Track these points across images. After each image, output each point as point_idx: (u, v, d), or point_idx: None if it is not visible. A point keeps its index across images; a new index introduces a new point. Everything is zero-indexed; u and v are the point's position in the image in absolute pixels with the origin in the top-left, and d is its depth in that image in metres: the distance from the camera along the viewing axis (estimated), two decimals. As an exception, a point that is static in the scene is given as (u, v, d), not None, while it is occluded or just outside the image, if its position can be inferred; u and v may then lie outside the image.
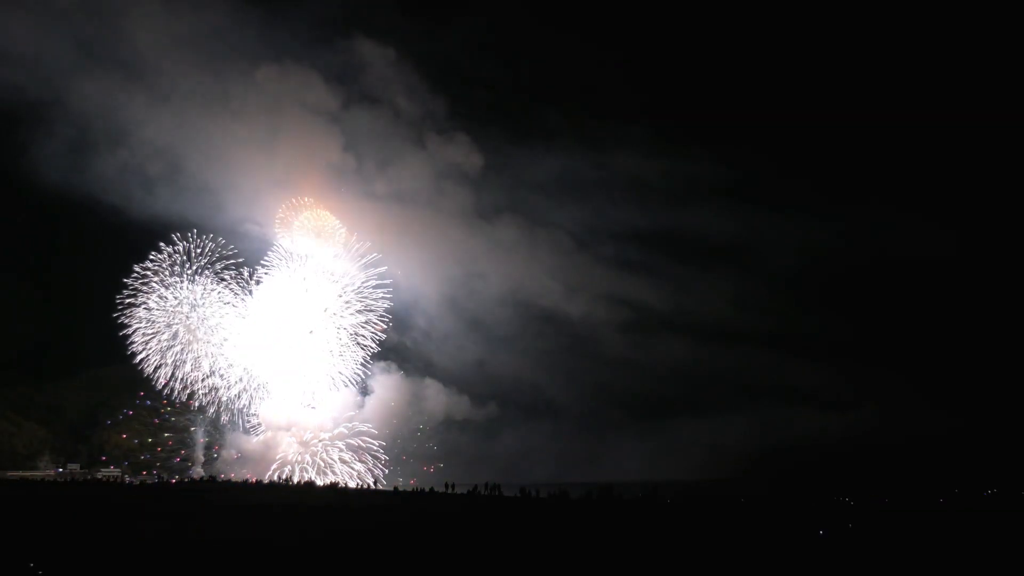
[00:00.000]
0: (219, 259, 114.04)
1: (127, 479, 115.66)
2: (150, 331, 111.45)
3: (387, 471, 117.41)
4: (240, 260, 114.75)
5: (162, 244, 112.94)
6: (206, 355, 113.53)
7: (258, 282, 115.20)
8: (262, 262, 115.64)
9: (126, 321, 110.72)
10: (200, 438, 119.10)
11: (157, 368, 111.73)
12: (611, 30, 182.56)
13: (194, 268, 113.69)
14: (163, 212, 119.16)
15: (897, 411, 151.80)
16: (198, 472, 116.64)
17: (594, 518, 65.05)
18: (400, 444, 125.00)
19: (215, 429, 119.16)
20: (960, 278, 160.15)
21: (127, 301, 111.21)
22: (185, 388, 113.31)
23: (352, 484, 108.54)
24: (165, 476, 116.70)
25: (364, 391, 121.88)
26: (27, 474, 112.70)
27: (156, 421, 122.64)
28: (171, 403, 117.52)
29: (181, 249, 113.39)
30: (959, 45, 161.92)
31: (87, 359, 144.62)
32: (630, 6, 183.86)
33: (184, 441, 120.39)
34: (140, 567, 44.12)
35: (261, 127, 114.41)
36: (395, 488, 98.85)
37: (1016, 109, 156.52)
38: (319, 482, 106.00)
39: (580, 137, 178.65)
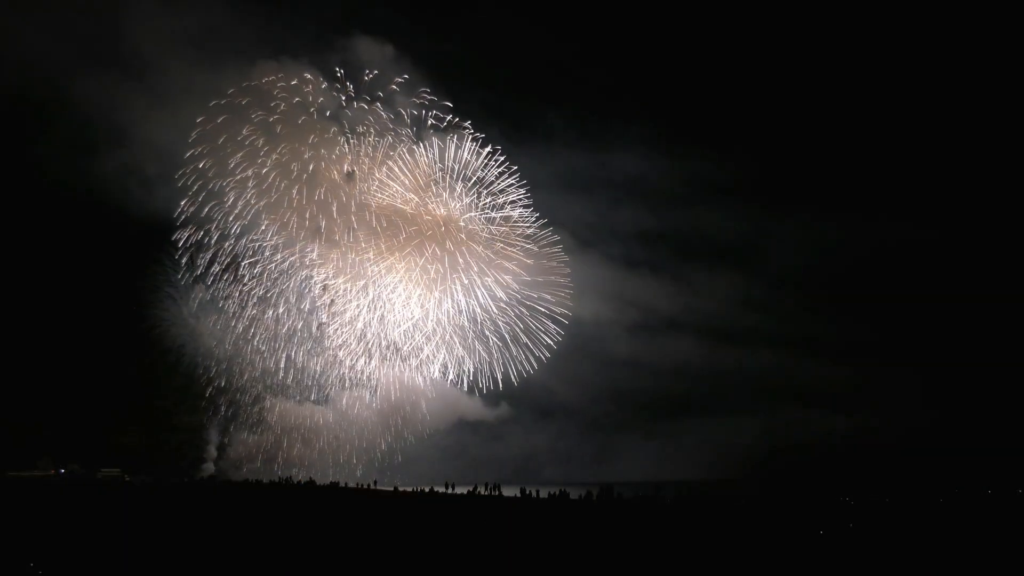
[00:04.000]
0: (219, 260, 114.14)
1: (127, 479, 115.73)
2: (157, 346, 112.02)
3: (389, 471, 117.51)
4: (240, 260, 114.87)
5: (161, 247, 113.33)
6: (212, 358, 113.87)
7: (259, 282, 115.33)
8: (262, 263, 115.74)
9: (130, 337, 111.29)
10: (211, 439, 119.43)
11: (163, 375, 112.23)
12: (612, 30, 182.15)
13: (198, 270, 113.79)
14: (163, 212, 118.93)
15: (901, 411, 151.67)
16: (207, 470, 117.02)
17: (593, 518, 65.02)
18: (403, 444, 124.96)
19: (223, 430, 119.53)
20: (968, 278, 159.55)
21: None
22: (189, 390, 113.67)
23: (352, 484, 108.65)
24: (163, 476, 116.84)
25: (371, 390, 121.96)
26: (27, 474, 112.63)
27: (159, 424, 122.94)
28: (174, 404, 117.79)
29: (181, 252, 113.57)
30: (963, 41, 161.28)
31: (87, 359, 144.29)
32: (631, 6, 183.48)
33: (191, 441, 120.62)
34: (140, 567, 44.12)
35: (260, 126, 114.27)
36: (395, 488, 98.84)
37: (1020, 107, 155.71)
38: (319, 482, 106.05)
39: (581, 137, 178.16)
